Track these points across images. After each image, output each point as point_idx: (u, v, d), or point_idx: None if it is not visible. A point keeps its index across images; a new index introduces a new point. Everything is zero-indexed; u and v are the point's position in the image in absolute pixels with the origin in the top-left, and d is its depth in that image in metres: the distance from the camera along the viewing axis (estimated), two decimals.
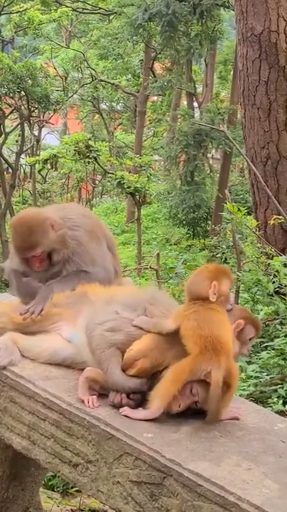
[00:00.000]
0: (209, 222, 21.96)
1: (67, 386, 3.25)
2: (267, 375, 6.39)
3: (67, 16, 28.94)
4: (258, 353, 7.15)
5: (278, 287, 7.66)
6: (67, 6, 28.75)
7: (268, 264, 7.89)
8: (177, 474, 2.70)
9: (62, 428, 3.11)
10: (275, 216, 8.28)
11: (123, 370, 3.11)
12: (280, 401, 5.81)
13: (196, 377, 2.95)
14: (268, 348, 6.76)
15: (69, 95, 29.66)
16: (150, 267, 8.80)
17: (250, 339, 3.28)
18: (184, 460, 2.74)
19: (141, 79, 28.85)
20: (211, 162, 26.77)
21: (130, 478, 2.85)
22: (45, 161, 22.02)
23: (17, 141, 27.98)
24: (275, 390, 6.10)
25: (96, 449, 2.97)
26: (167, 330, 3.08)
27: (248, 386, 6.17)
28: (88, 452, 3.01)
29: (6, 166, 25.25)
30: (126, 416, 3.03)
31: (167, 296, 3.69)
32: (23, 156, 26.35)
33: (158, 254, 8.22)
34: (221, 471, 2.69)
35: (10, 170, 25.59)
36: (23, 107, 23.70)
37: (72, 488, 4.96)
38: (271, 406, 5.67)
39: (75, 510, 4.49)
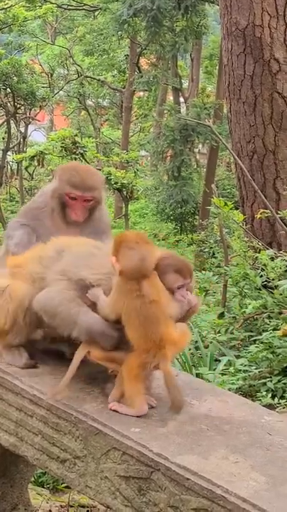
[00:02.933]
0: (197, 217, 21.98)
1: (54, 382, 3.23)
2: (256, 368, 6.42)
3: (52, 12, 28.86)
4: (246, 346, 7.18)
5: (266, 281, 7.69)
6: (51, 3, 28.65)
7: (256, 258, 7.92)
8: (165, 468, 2.70)
9: (50, 424, 3.10)
10: (262, 210, 8.29)
11: None
12: (269, 394, 5.83)
13: (146, 370, 3.00)
14: (257, 342, 6.79)
15: (55, 92, 29.62)
16: None
17: (178, 287, 3.12)
18: (171, 454, 2.74)
19: (127, 74, 28.82)
20: (198, 157, 26.81)
21: (118, 473, 2.85)
22: (32, 158, 21.91)
23: (3, 139, 27.91)
24: (264, 384, 6.13)
25: (84, 444, 2.97)
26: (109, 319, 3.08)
27: (237, 380, 6.19)
28: (76, 448, 3.01)
29: None
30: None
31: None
32: (9, 153, 26.28)
33: None
34: (209, 464, 2.69)
35: None
36: (9, 104, 23.64)
37: (61, 484, 4.96)
38: (259, 400, 5.70)
39: (65, 506, 4.49)
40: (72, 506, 4.47)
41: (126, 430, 2.88)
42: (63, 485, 4.93)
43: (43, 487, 5.13)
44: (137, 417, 2.99)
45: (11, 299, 3.35)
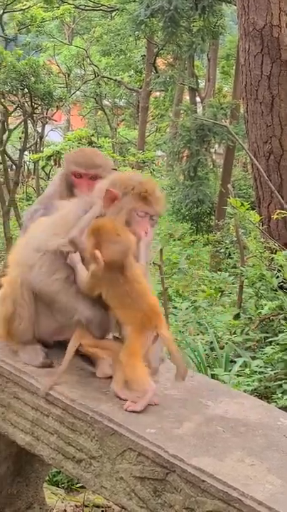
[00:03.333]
0: (213, 217, 21.89)
1: (70, 382, 3.24)
2: (271, 370, 6.39)
3: (70, 13, 28.89)
4: (262, 348, 7.15)
5: (282, 282, 7.67)
6: (69, 4, 28.70)
7: (272, 258, 7.90)
8: (181, 470, 2.69)
9: (65, 424, 3.11)
10: (278, 211, 8.27)
11: None
12: (285, 396, 5.81)
13: (147, 346, 3.09)
14: (273, 343, 6.76)
15: (72, 92, 29.61)
16: (153, 263, 8.77)
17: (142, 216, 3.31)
18: (187, 456, 2.73)
19: (144, 75, 28.78)
20: (214, 157, 26.69)
21: (133, 474, 2.85)
22: (49, 158, 21.95)
23: (20, 138, 27.92)
24: (280, 385, 6.10)
25: (100, 444, 2.97)
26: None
27: (253, 381, 6.17)
28: (91, 448, 3.01)
29: (9, 163, 25.24)
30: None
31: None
32: (26, 152, 26.30)
33: (161, 250, 8.20)
34: (225, 466, 2.68)
35: (14, 167, 25.58)
36: (26, 104, 23.65)
37: (76, 484, 4.96)
38: (275, 401, 5.67)
39: (79, 506, 4.49)
40: (86, 506, 4.48)
41: (142, 431, 2.88)
42: (78, 485, 4.94)
43: (58, 486, 5.14)
44: (152, 416, 2.99)
45: (7, 284, 3.48)
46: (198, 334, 8.76)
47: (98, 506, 4.44)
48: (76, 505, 4.50)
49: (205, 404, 3.18)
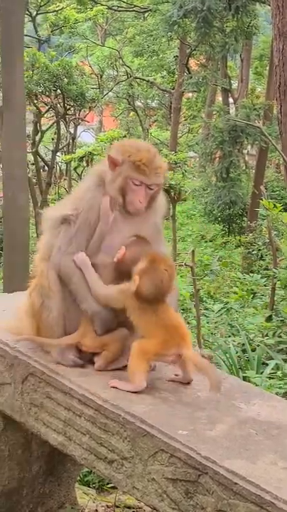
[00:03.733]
0: (245, 218, 21.80)
1: (103, 382, 3.25)
2: None
3: (103, 14, 29.01)
4: None
5: None
6: (102, 5, 28.80)
7: None
8: (213, 472, 2.69)
9: (98, 424, 3.12)
10: None
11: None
12: None
13: (161, 359, 3.24)
14: None
15: (105, 93, 29.70)
16: (185, 264, 8.75)
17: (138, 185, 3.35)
18: (219, 458, 2.72)
19: (176, 75, 28.74)
20: (246, 158, 26.57)
21: (165, 476, 2.85)
22: (81, 159, 22.00)
23: (53, 139, 28.08)
24: None
25: (132, 445, 2.98)
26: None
27: (285, 384, 6.13)
28: (123, 449, 3.01)
29: (42, 163, 25.39)
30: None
31: None
32: (58, 153, 26.45)
33: (193, 251, 8.18)
34: (257, 469, 2.67)
35: (46, 168, 25.73)
36: (59, 105, 23.79)
37: (107, 484, 4.97)
38: None
39: (111, 507, 4.50)
40: (118, 507, 4.48)
41: (174, 432, 2.87)
42: (109, 485, 4.94)
43: (89, 486, 5.15)
44: (184, 418, 2.99)
45: (34, 279, 3.56)
46: (229, 336, 8.73)
47: (129, 507, 4.44)
48: (107, 506, 4.51)
49: (238, 406, 3.17)
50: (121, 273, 3.31)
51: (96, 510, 4.43)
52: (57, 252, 3.44)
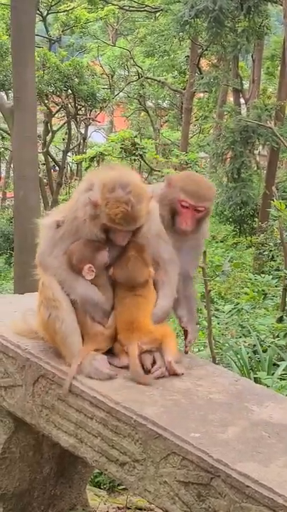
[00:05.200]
0: (256, 219, 21.76)
1: (114, 385, 3.24)
2: None
3: (114, 14, 29.05)
4: None
5: None
6: (113, 4, 28.83)
7: None
8: (225, 475, 2.67)
9: (109, 426, 3.10)
10: None
11: None
12: None
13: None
14: None
15: (116, 93, 29.73)
16: None
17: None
18: (232, 461, 2.71)
19: (187, 76, 28.72)
20: (258, 159, 26.51)
21: (177, 478, 2.83)
22: (92, 159, 22.02)
23: (64, 139, 28.14)
24: None
25: (143, 448, 2.96)
26: None
27: None
28: (135, 451, 3.00)
29: (53, 164, 25.43)
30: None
31: None
32: (69, 154, 26.50)
33: (204, 252, 8.15)
34: (270, 472, 2.65)
35: (57, 168, 25.78)
36: (69, 105, 23.84)
37: (118, 485, 4.96)
38: None
39: (122, 508, 4.49)
40: (129, 508, 4.47)
41: (186, 435, 2.86)
42: (120, 486, 4.93)
43: (100, 487, 5.14)
44: (196, 420, 2.97)
45: (39, 293, 3.61)
46: (240, 337, 8.70)
47: (140, 509, 4.43)
48: (118, 507, 4.50)
49: (250, 408, 3.15)
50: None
51: (108, 511, 4.42)
52: (41, 255, 3.53)
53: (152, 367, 3.38)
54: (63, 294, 3.44)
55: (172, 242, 3.60)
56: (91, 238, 3.46)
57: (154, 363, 3.41)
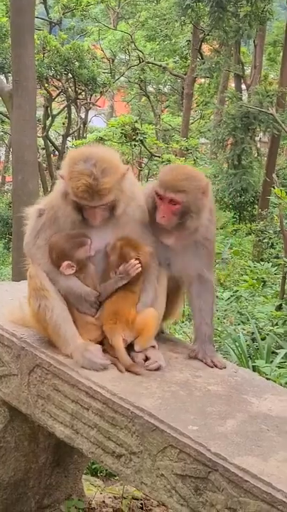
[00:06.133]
0: (256, 206, 21.71)
1: (111, 375, 3.19)
2: None
3: None
4: None
5: None
6: None
7: None
8: (223, 469, 2.62)
9: (106, 418, 3.05)
10: None
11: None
12: None
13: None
14: None
15: (116, 77, 29.52)
16: None
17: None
18: (230, 454, 2.66)
19: (189, 61, 28.53)
20: (258, 145, 26.39)
21: (174, 471, 2.79)
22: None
23: (64, 124, 27.98)
24: None
25: (140, 440, 2.91)
26: None
27: None
28: (132, 443, 2.95)
29: (52, 148, 25.29)
30: None
31: None
32: (69, 138, 26.34)
33: None
34: (269, 466, 2.60)
35: (56, 152, 25.64)
36: (69, 89, 23.66)
37: None
38: None
39: (118, 498, 4.45)
40: (125, 498, 4.43)
41: (184, 428, 2.81)
42: None
43: (97, 475, 5.10)
44: (194, 413, 2.91)
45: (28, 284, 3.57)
46: (239, 324, 8.67)
47: (137, 498, 4.39)
48: (115, 497, 4.46)
49: (249, 401, 3.10)
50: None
51: (104, 501, 4.38)
52: (26, 245, 3.51)
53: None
54: (51, 282, 3.39)
55: (171, 242, 3.48)
56: (68, 224, 3.39)
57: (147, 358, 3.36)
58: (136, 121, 20.08)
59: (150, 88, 33.74)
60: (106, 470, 5.18)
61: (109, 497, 4.44)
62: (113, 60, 30.52)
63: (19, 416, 3.67)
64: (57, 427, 3.29)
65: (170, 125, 33.10)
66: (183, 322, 10.97)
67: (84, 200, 3.25)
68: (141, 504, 4.36)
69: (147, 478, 2.89)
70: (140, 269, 3.36)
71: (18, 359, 3.48)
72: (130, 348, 3.34)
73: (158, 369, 3.29)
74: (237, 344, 7.16)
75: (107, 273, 3.42)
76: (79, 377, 3.19)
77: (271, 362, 6.57)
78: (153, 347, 3.40)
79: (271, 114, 16.69)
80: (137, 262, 3.35)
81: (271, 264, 12.64)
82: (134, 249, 3.37)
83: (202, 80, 31.77)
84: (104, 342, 3.39)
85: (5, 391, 3.58)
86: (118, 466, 3.01)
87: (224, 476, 2.62)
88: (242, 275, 13.22)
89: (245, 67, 27.51)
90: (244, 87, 26.45)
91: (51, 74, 22.44)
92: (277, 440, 2.78)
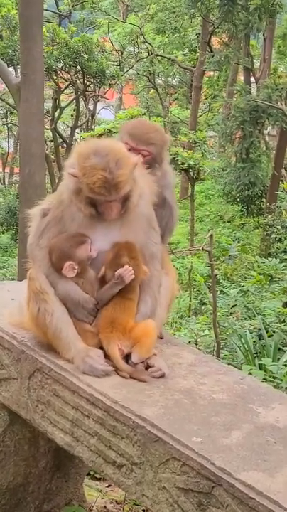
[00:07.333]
0: (264, 200, 21.58)
1: (113, 382, 3.08)
2: None
3: None
4: None
5: None
6: None
7: None
8: (228, 484, 2.51)
9: (107, 426, 2.95)
10: None
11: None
12: None
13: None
14: None
15: (125, 70, 29.39)
16: (202, 249, 8.57)
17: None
18: (235, 469, 2.55)
19: (198, 53, 28.37)
20: (267, 139, 26.23)
21: (177, 485, 2.68)
22: (100, 136, 21.81)
23: (72, 116, 27.88)
24: None
25: (142, 451, 2.81)
26: None
27: None
28: (133, 454, 2.84)
29: (60, 140, 25.22)
30: None
31: None
32: (77, 130, 26.27)
33: (211, 236, 7.99)
34: (276, 483, 2.49)
35: (65, 144, 25.56)
36: (78, 81, 23.57)
37: None
38: None
39: (120, 503, 4.35)
40: (127, 503, 4.33)
41: (187, 439, 2.70)
42: None
43: (98, 479, 5.00)
44: (198, 424, 2.81)
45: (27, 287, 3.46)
46: (245, 319, 8.58)
47: (138, 504, 4.29)
48: (116, 502, 4.36)
49: (256, 410, 2.98)
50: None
51: (105, 506, 4.29)
52: (29, 246, 3.40)
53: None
54: (50, 288, 3.29)
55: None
56: (74, 224, 3.28)
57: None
58: (144, 114, 20.01)
59: (158, 81, 33.59)
60: None
61: (111, 502, 4.35)
62: (122, 53, 30.38)
63: (19, 420, 3.58)
64: (57, 434, 3.19)
65: (178, 118, 32.97)
66: (189, 317, 10.89)
67: (101, 195, 3.13)
68: (143, 510, 4.27)
69: (148, 490, 2.78)
70: (133, 276, 3.23)
71: (18, 362, 3.38)
72: (130, 357, 3.24)
73: (161, 377, 3.18)
74: (243, 341, 7.07)
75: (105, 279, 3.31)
76: (80, 383, 3.08)
77: (278, 360, 6.48)
78: (155, 355, 3.29)
79: (280, 109, 16.56)
80: (130, 268, 3.22)
81: (278, 259, 12.54)
82: (129, 255, 3.25)
83: (211, 73, 31.62)
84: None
85: (5, 395, 3.48)
86: (119, 477, 2.91)
87: (229, 492, 2.51)
88: (249, 270, 13.13)
89: (254, 61, 27.31)
90: (253, 80, 26.28)
91: (60, 66, 22.35)
92: (284, 454, 2.67)
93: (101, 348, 3.25)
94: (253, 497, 2.44)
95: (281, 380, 5.82)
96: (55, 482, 3.98)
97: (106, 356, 3.22)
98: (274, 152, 22.79)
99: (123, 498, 4.31)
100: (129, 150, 3.42)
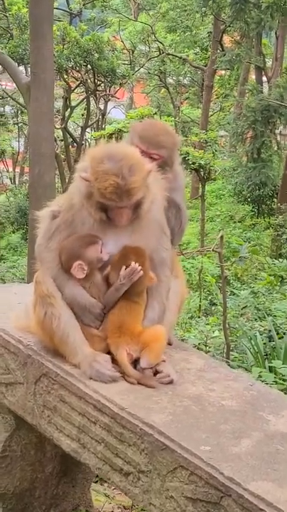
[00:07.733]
0: (275, 200, 21.47)
1: (120, 388, 3.03)
2: None
3: None
4: None
5: None
6: None
7: None
8: (237, 495, 2.45)
9: (114, 433, 2.90)
10: None
11: None
12: None
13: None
14: None
15: (136, 69, 29.33)
16: (213, 250, 8.51)
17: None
18: (244, 479, 2.49)
19: (209, 52, 28.26)
20: (279, 139, 26.11)
21: (184, 494, 2.62)
22: (111, 136, 21.74)
23: (82, 115, 27.85)
24: None
25: (149, 458, 2.75)
26: None
27: None
28: (140, 461, 2.79)
29: (71, 140, 25.19)
30: None
31: None
32: (88, 130, 26.23)
33: (221, 237, 7.92)
34: (286, 494, 2.42)
35: (75, 144, 25.52)
36: (89, 80, 23.52)
37: None
38: None
39: (127, 508, 4.30)
40: (134, 508, 4.28)
41: (196, 448, 2.64)
42: None
43: (106, 481, 4.94)
44: (207, 432, 2.75)
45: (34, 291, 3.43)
46: (256, 319, 8.52)
47: (147, 510, 4.23)
48: (124, 507, 4.31)
49: (266, 418, 2.92)
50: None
51: (113, 511, 4.24)
52: (38, 247, 3.35)
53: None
54: (58, 292, 3.24)
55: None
56: (85, 227, 3.23)
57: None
58: (155, 113, 19.95)
59: (169, 80, 33.49)
60: None
61: (118, 507, 4.30)
62: (133, 52, 30.30)
63: (25, 425, 3.53)
64: (64, 440, 3.14)
65: (189, 117, 32.86)
66: (199, 317, 10.83)
67: (112, 201, 3.08)
68: None
69: (156, 499, 2.73)
70: (142, 272, 3.17)
71: (25, 367, 3.34)
72: (138, 363, 3.18)
73: (170, 383, 3.12)
74: (253, 343, 7.00)
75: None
76: (87, 389, 3.03)
77: None
78: (163, 361, 3.23)
79: None
80: (138, 265, 3.16)
81: None
82: (136, 260, 3.19)
83: (223, 72, 31.49)
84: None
85: (11, 399, 3.44)
86: (125, 485, 2.86)
87: (238, 503, 2.44)
88: (260, 270, 13.07)
89: (266, 59, 27.18)
90: (264, 79, 26.14)
91: (70, 65, 22.30)
92: None
93: (108, 352, 3.20)
94: (263, 508, 2.37)
95: None
96: (62, 487, 3.93)
97: (114, 361, 3.16)
98: (286, 152, 22.69)
99: (131, 503, 4.26)
100: (141, 153, 3.35)
